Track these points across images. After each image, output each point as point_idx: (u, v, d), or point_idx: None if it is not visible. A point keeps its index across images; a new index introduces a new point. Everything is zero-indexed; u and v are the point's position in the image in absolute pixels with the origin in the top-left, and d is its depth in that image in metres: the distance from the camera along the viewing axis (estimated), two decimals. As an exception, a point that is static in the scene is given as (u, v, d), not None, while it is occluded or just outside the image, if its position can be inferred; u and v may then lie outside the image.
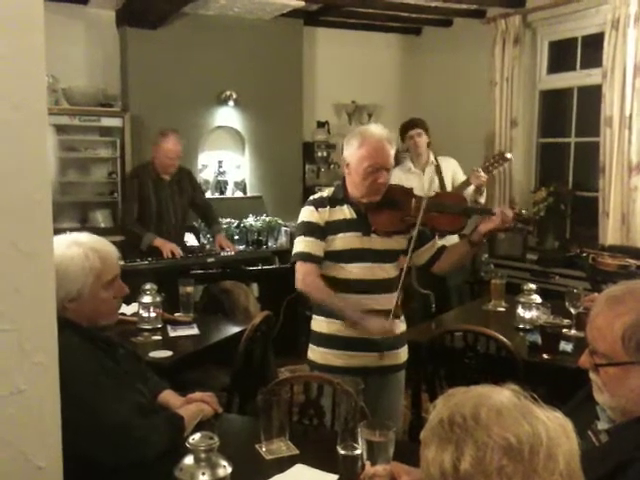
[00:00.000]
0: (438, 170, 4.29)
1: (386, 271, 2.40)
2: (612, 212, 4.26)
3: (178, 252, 3.96)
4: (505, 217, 2.30)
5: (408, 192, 2.48)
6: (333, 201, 2.41)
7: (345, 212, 2.40)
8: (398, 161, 4.32)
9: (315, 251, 2.36)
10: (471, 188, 3.97)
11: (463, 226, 2.44)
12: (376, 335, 2.29)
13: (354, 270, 2.36)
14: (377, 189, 2.34)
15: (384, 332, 2.28)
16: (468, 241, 2.39)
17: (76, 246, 1.74)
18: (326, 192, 2.47)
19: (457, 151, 4.64)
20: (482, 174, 3.94)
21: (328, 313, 2.40)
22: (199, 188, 4.55)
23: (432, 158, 4.33)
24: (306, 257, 2.36)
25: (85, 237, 1.80)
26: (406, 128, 4.35)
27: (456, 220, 2.41)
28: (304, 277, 2.36)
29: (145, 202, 4.11)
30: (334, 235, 2.37)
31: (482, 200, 4.07)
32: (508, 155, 4.19)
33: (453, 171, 4.30)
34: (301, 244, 2.39)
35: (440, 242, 2.53)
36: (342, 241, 2.37)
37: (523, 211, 2.47)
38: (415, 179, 4.17)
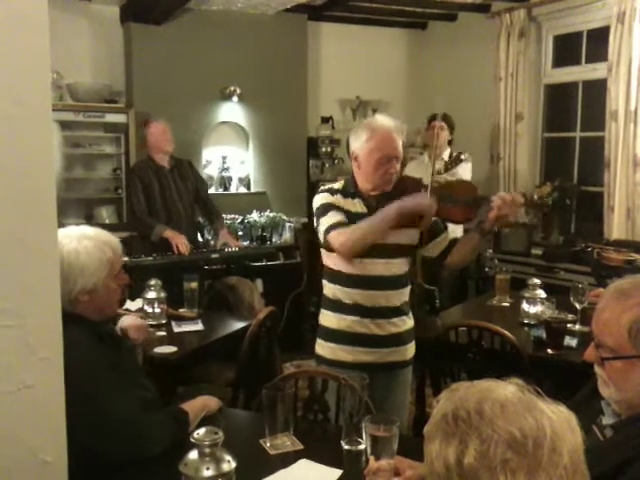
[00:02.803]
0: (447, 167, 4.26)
1: (396, 267, 2.36)
2: (617, 207, 4.25)
3: (186, 247, 3.92)
4: (505, 199, 2.21)
5: (418, 183, 2.42)
6: (344, 194, 2.36)
7: (356, 206, 2.35)
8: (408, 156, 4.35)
9: (343, 220, 2.28)
10: None
11: (474, 216, 2.39)
12: (425, 208, 2.23)
13: (363, 265, 2.32)
14: (388, 180, 2.31)
15: (429, 205, 2.22)
16: (479, 230, 2.31)
17: (87, 240, 1.76)
18: (336, 185, 2.42)
19: (462, 145, 4.63)
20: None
21: (337, 308, 2.37)
22: (202, 179, 4.50)
23: (445, 155, 4.30)
24: (337, 225, 2.27)
25: (90, 230, 1.82)
26: (432, 118, 4.39)
27: (468, 211, 2.36)
28: (338, 238, 2.25)
29: (150, 194, 4.09)
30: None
31: None
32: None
33: (461, 173, 4.25)
34: (327, 219, 2.30)
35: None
36: None
37: (535, 196, 2.43)
38: (423, 170, 4.15)
